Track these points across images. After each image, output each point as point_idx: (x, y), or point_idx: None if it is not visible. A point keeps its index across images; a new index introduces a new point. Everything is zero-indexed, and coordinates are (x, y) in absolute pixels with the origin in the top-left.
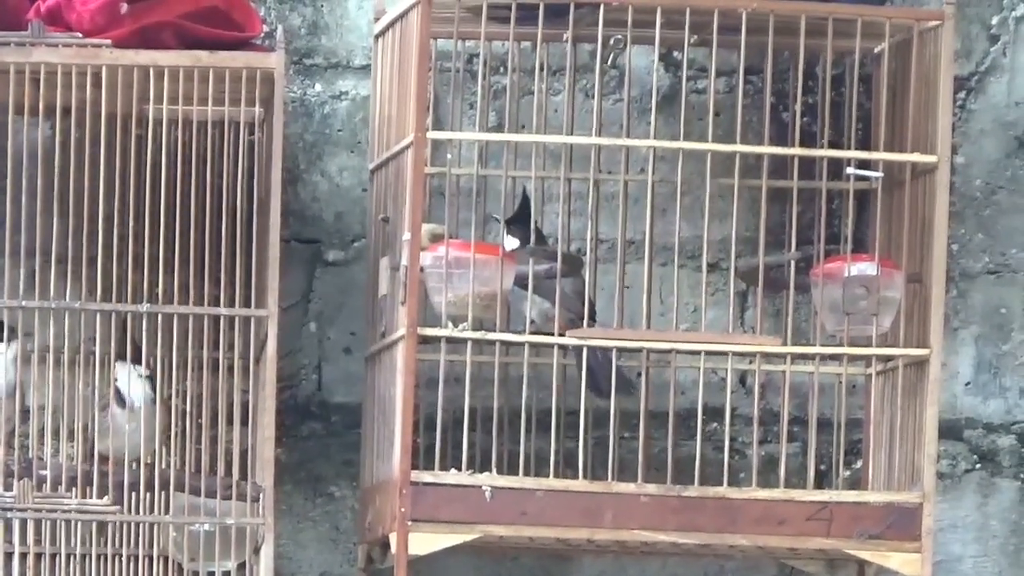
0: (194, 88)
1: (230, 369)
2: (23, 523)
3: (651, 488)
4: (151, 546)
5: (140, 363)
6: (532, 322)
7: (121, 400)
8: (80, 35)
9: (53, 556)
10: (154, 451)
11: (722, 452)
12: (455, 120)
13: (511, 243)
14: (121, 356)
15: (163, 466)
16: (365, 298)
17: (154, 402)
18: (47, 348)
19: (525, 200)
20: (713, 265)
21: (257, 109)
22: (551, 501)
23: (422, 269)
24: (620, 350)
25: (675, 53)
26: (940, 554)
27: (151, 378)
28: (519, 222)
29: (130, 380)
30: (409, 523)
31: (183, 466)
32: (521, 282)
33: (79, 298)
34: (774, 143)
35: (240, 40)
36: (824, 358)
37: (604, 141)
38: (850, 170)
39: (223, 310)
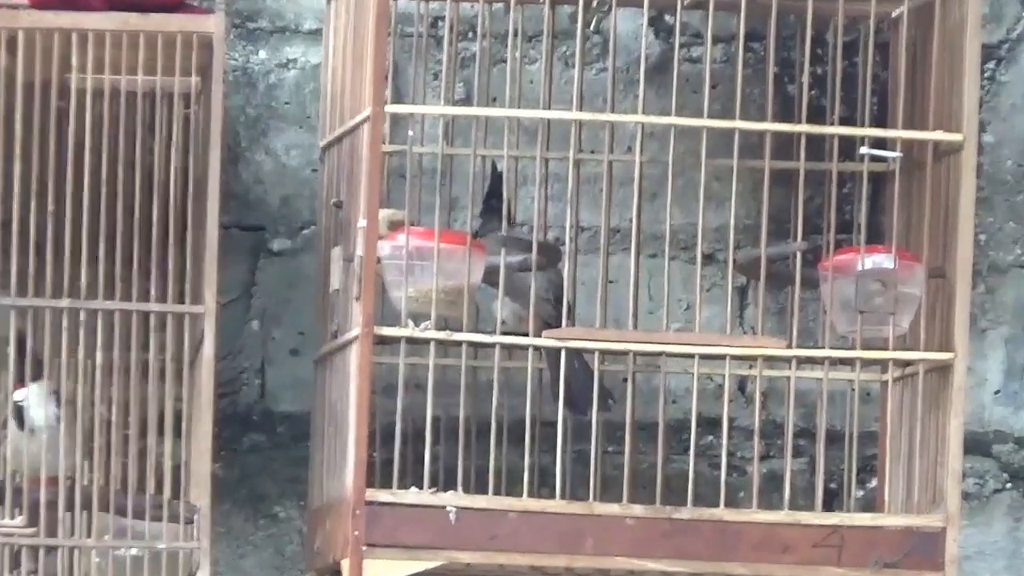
0: (122, 55)
1: (161, 373)
2: None
3: (638, 509)
4: (71, 573)
5: (42, 377)
6: (503, 322)
7: (20, 421)
8: None
9: None
10: (74, 466)
11: (718, 469)
12: (417, 92)
13: (477, 221)
14: (21, 373)
15: (85, 483)
16: (315, 293)
17: (59, 420)
18: None
19: (496, 176)
20: (709, 257)
21: (193, 79)
22: (524, 524)
23: (379, 260)
24: (603, 353)
25: (666, 17)
26: None
27: (57, 393)
28: (490, 200)
29: (34, 401)
30: (364, 548)
31: (108, 483)
32: (492, 276)
33: None
34: (778, 119)
35: (175, 1)
36: (834, 363)
37: (586, 116)
38: (864, 150)
39: (154, 306)
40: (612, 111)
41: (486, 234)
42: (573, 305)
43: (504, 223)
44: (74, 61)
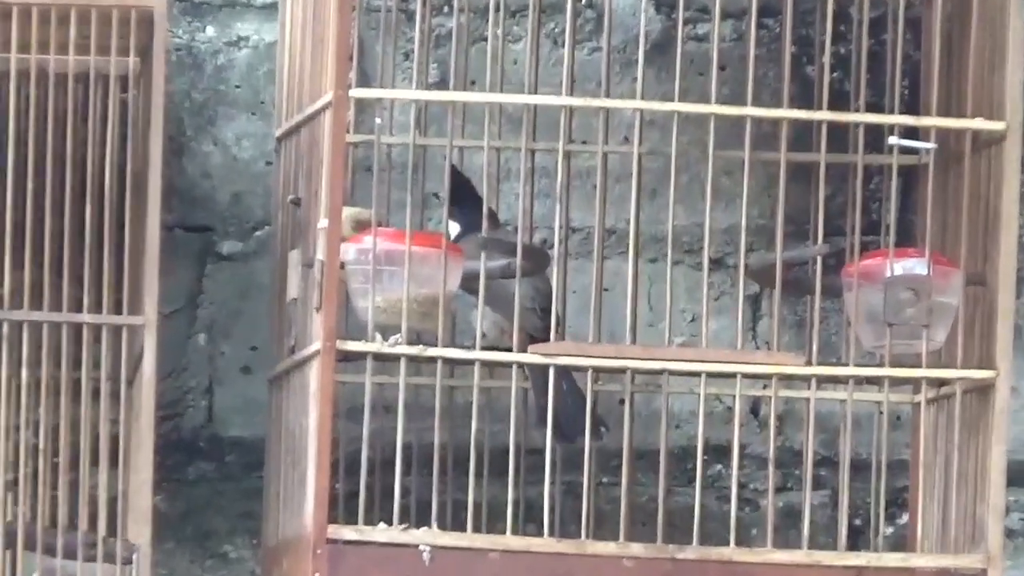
0: (51, 33)
1: (95, 393)
2: None
3: (636, 548)
4: None
5: None
6: (484, 335)
7: None
8: None
9: None
10: None
11: (728, 502)
12: (386, 74)
13: (452, 228)
14: None
15: (9, 518)
16: (270, 303)
17: None
18: None
19: (456, 174)
20: (717, 262)
21: (132, 59)
22: (508, 565)
23: (342, 266)
24: (597, 371)
25: None
26: None
27: None
28: (460, 202)
29: None
30: None
31: (35, 518)
32: (471, 283)
33: None
34: (796, 105)
35: None
36: (860, 382)
37: (577, 102)
38: (893, 140)
39: (86, 317)
40: (607, 96)
41: (467, 237)
42: (563, 316)
43: (485, 222)
44: None
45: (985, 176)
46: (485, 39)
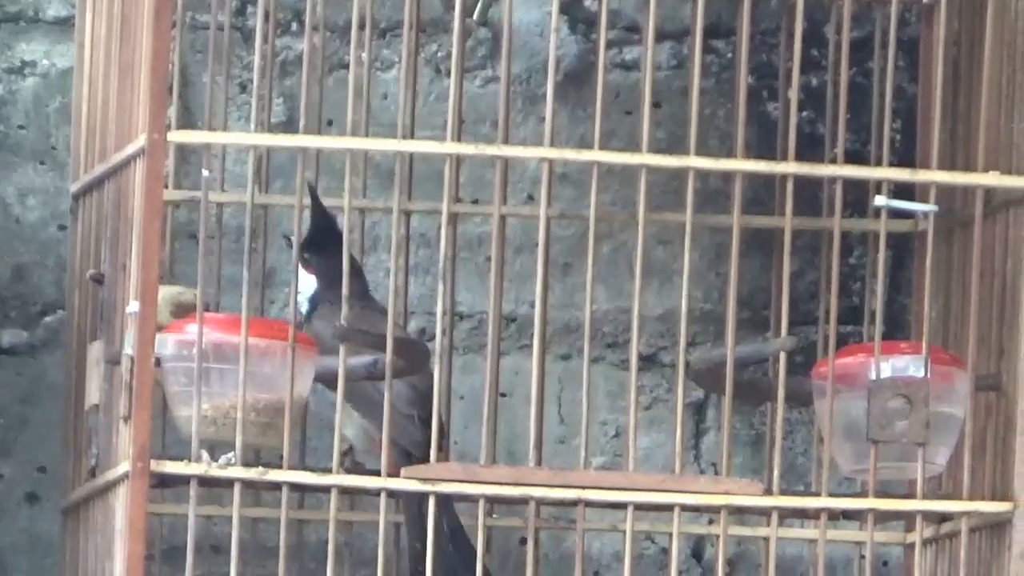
0: None
1: None
2: None
3: None
4: None
5: None
6: (350, 448)
7: None
8: None
9: None
10: None
11: None
12: (216, 112)
13: (307, 283)
14: None
15: None
16: (63, 410)
17: None
18: None
19: (323, 213)
20: (649, 358)
21: None
22: None
23: (158, 362)
24: (491, 501)
25: (586, 0)
26: None
27: None
28: (320, 248)
29: None
30: None
31: None
32: (326, 385)
33: None
34: (754, 155)
35: None
36: (835, 516)
37: (466, 149)
38: (881, 200)
39: None
40: (505, 142)
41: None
42: (447, 429)
43: (346, 279)
44: None
45: (1001, 247)
46: (346, 66)
